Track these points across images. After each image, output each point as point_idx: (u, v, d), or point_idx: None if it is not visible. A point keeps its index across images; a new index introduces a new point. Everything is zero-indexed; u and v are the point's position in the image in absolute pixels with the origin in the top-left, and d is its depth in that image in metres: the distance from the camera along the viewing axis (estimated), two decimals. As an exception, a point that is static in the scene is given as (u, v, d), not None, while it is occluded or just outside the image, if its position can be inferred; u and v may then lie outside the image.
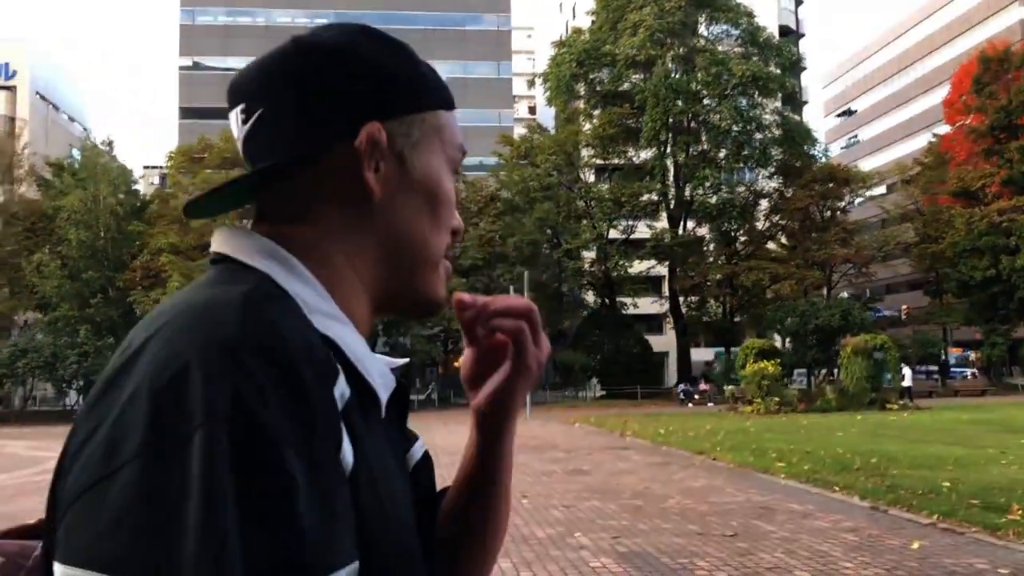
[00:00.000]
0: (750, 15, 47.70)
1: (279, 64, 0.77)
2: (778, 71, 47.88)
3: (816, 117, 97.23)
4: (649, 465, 14.52)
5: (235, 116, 0.78)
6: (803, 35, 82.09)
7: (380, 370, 0.74)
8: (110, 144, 44.04)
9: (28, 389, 41.94)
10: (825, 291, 46.91)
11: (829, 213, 46.52)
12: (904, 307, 59.82)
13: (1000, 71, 44.87)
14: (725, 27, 48.47)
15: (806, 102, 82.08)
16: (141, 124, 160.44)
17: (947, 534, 7.98)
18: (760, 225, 47.95)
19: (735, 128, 45.15)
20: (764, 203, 48.42)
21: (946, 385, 44.01)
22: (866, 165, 64.40)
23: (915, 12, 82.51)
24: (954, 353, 54.88)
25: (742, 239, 47.50)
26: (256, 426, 0.58)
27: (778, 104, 49.31)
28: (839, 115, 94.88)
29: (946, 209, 45.27)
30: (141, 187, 52.04)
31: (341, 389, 0.66)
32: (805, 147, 48.13)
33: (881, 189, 54.98)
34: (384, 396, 0.74)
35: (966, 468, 12.22)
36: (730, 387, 32.91)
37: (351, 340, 0.72)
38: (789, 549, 7.47)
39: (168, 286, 37.75)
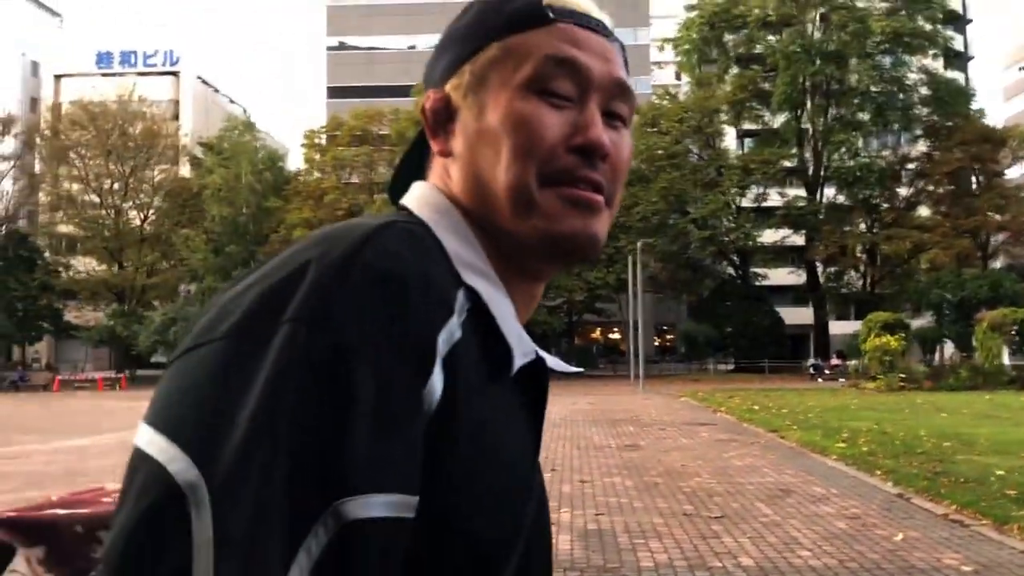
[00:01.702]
0: (894, -33, 44.66)
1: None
2: (928, 26, 44.69)
3: (992, 72, 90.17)
4: (711, 443, 14.13)
5: None
6: (969, -16, 76.12)
7: (522, 337, 0.73)
8: (250, 124, 46.21)
9: None
10: (981, 262, 43.79)
11: (983, 177, 43.11)
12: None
13: None
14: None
15: (972, 57, 76.34)
16: (296, 103, 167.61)
17: (951, 526, 7.40)
18: (904, 191, 45.04)
19: (874, 89, 42.46)
20: (911, 167, 45.52)
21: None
22: None
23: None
24: None
25: (884, 206, 44.82)
26: (338, 334, 0.59)
27: (929, 61, 46.02)
28: (1022, 69, 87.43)
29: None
30: (292, 165, 54.75)
31: (451, 329, 0.65)
32: (958, 106, 44.67)
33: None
34: (519, 360, 0.71)
35: (1041, 455, 11.22)
36: (853, 363, 31.29)
37: (497, 299, 0.72)
38: (759, 534, 7.15)
39: (301, 259, 39.65)
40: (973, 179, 43.88)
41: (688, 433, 15.73)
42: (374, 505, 0.57)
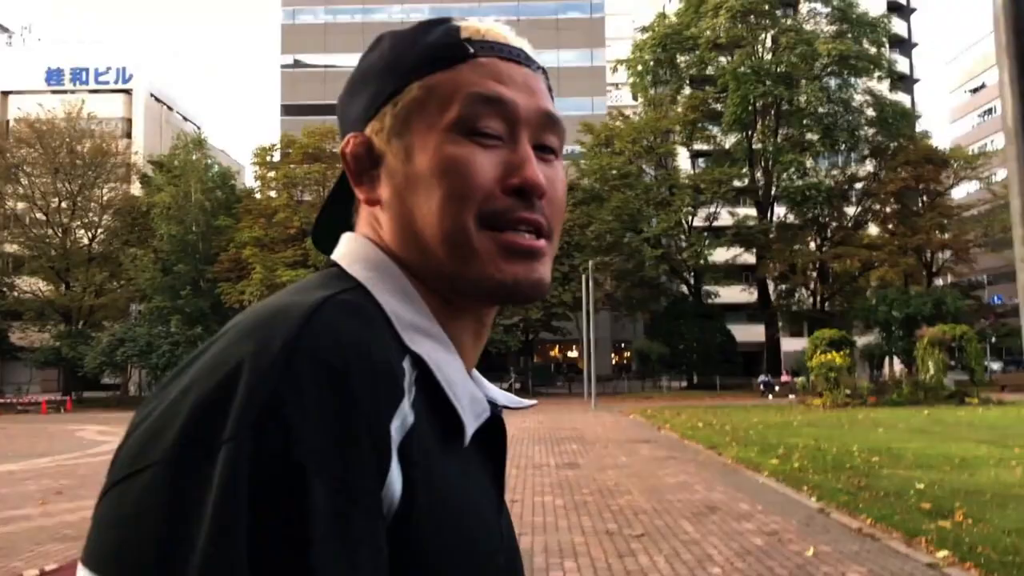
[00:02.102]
0: (841, -9, 45.68)
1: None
2: (873, 49, 45.71)
3: (939, 95, 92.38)
4: (649, 460, 14.22)
5: None
6: (914, 10, 78.24)
7: (474, 396, 0.70)
8: (200, 141, 45.81)
9: (146, 375, 44.00)
10: (927, 279, 44.72)
11: (927, 197, 44.11)
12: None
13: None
14: (815, 5, 46.64)
15: (917, 80, 78.37)
16: (250, 122, 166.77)
17: (863, 540, 7.52)
18: (852, 210, 45.92)
19: (821, 110, 43.30)
20: (859, 187, 46.41)
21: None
22: (1001, 142, 60.04)
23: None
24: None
25: (833, 225, 45.64)
26: (287, 445, 0.55)
27: (874, 83, 47.03)
28: (971, 91, 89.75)
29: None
30: (244, 183, 54.22)
31: (403, 415, 0.62)
32: (903, 127, 45.67)
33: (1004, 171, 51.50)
34: (471, 424, 0.69)
35: (964, 470, 11.46)
36: (800, 379, 31.73)
37: (444, 360, 0.69)
38: (676, 552, 7.21)
39: (252, 277, 39.25)
40: (918, 199, 44.81)
41: (629, 451, 15.81)
42: None
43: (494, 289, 0.72)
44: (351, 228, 0.79)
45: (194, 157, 44.25)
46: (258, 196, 44.05)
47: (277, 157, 45.10)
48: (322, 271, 0.74)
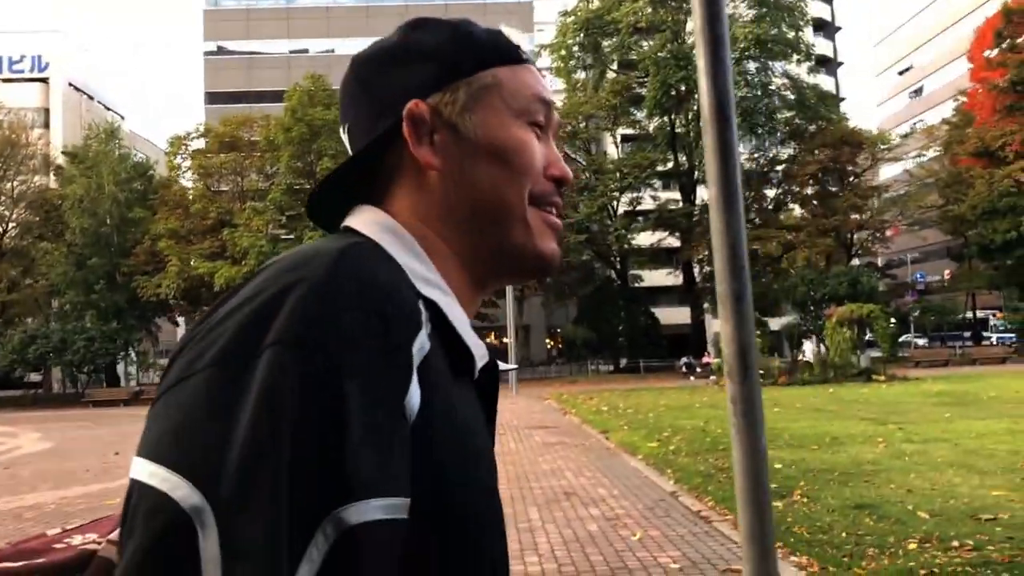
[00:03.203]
0: (759, -25, 46.09)
1: (346, 82, 0.88)
2: (791, 33, 46.28)
3: (866, 77, 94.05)
4: (539, 446, 14.22)
5: (344, 138, 0.90)
6: (837, -6, 79.44)
7: (475, 340, 0.77)
8: (114, 131, 44.58)
9: (71, 374, 42.62)
10: (847, 259, 45.63)
11: (844, 178, 44.93)
12: (947, 272, 57.80)
13: (1023, 24, 42.61)
14: (733, -11, 47.01)
15: (841, 63, 79.72)
16: (175, 110, 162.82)
17: (697, 523, 7.57)
18: (772, 193, 46.59)
19: (739, 94, 43.70)
20: (780, 169, 47.07)
21: (963, 353, 42.18)
22: (931, 120, 61.07)
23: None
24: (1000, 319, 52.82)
25: (754, 207, 46.23)
26: (323, 354, 0.62)
27: (793, 67, 47.64)
28: (899, 73, 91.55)
29: (966, 170, 43.31)
30: (164, 173, 52.94)
31: (421, 342, 0.69)
32: (821, 110, 46.34)
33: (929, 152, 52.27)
34: (479, 362, 0.77)
35: (831, 448, 11.65)
36: (716, 360, 32.08)
37: (452, 307, 0.77)
38: (512, 536, 7.16)
39: (167, 270, 38.40)
40: (837, 180, 45.63)
41: (523, 437, 15.81)
42: (371, 509, 0.61)
43: (535, 259, 0.85)
44: (348, 205, 0.86)
45: (108, 147, 42.98)
46: (177, 186, 42.94)
47: (200, 145, 44.15)
48: (337, 235, 0.82)
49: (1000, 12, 43.86)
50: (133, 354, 45.56)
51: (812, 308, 39.45)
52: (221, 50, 72.26)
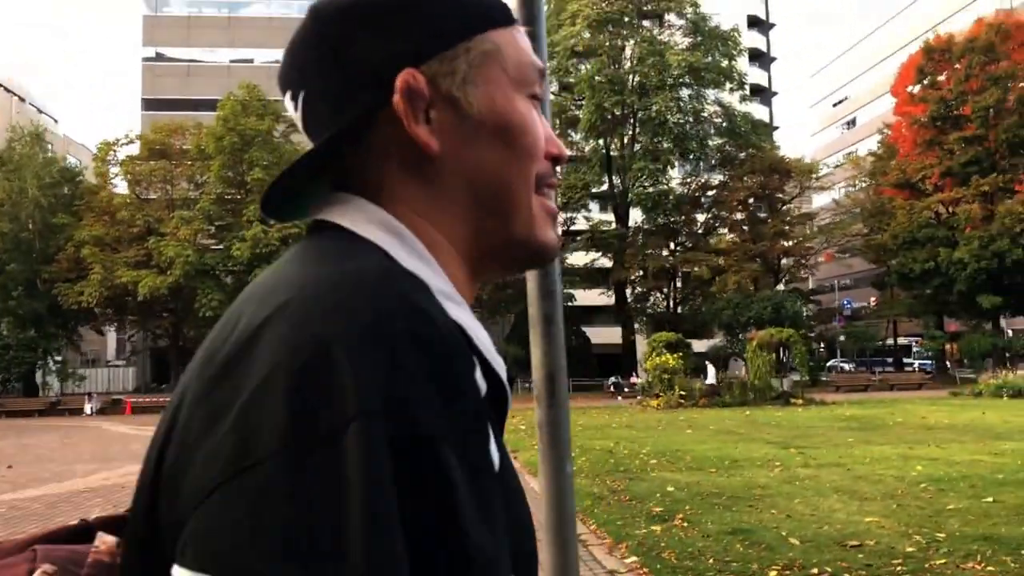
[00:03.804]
0: (695, 4, 47.04)
1: (302, 40, 0.73)
2: (724, 62, 47.25)
3: (803, 108, 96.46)
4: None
5: (288, 103, 0.75)
6: (772, 25, 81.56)
7: (501, 363, 0.69)
8: (39, 134, 43.47)
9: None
10: (774, 284, 46.56)
11: (771, 205, 45.95)
12: (873, 299, 59.37)
13: (943, 61, 44.22)
14: (671, 16, 47.88)
15: (776, 93, 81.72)
16: (111, 115, 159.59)
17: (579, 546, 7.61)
18: (703, 217, 47.43)
19: (672, 120, 44.48)
20: (711, 194, 47.96)
21: (883, 379, 43.27)
22: (864, 150, 62.79)
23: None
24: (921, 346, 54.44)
25: (684, 231, 47.02)
26: (413, 421, 0.54)
27: (727, 95, 48.62)
28: (835, 104, 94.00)
29: (889, 201, 44.67)
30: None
31: (479, 380, 0.61)
32: (751, 138, 47.37)
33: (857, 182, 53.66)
34: (508, 391, 0.69)
35: (729, 471, 11.83)
36: (639, 380, 32.52)
37: (475, 325, 0.67)
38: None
39: (90, 278, 37.48)
40: (764, 207, 46.62)
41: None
42: None
43: (538, 250, 0.75)
44: (313, 194, 0.74)
45: (32, 150, 41.87)
46: (105, 192, 41.97)
47: (132, 151, 43.25)
48: (325, 234, 0.69)
49: (921, 49, 45.42)
50: (52, 363, 44.27)
51: (737, 331, 40.17)
52: (160, 56, 71.14)
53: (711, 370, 29.28)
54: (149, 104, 68.64)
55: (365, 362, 0.54)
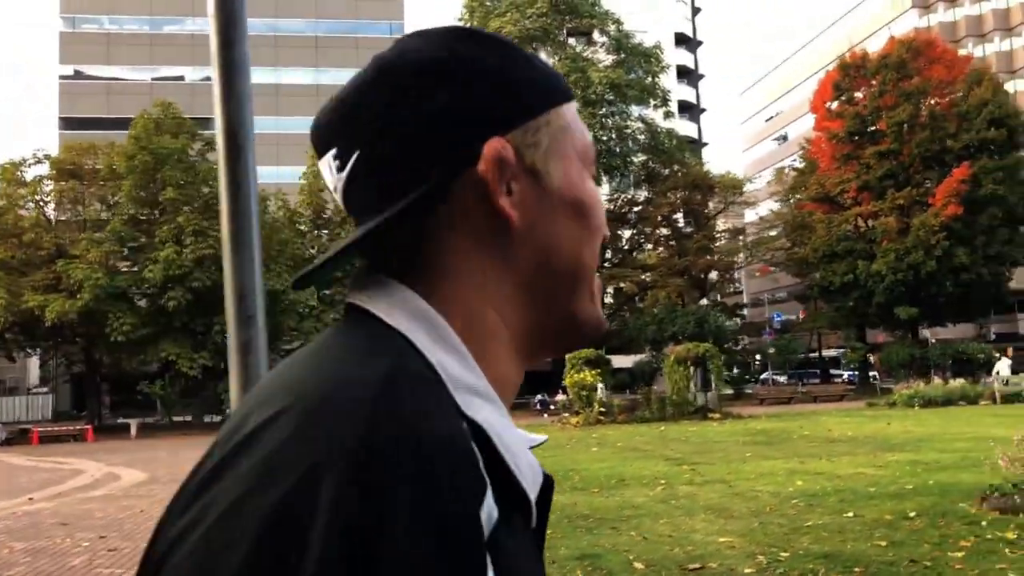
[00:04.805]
0: (618, 22, 47.45)
1: (366, 94, 0.66)
2: (648, 79, 47.69)
3: (733, 123, 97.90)
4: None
5: (327, 164, 0.68)
6: (700, 43, 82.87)
7: (529, 461, 0.61)
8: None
9: None
10: (701, 299, 46.94)
11: (695, 220, 46.41)
12: (802, 312, 60.23)
13: (859, 78, 45.21)
14: (594, 34, 48.23)
15: (704, 109, 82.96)
16: (28, 133, 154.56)
17: None
18: (627, 233, 47.66)
19: (594, 137, 44.66)
20: (637, 210, 48.27)
21: (806, 391, 43.70)
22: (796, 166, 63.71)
23: (832, 14, 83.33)
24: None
25: (609, 248, 47.17)
26: (389, 571, 0.47)
27: (651, 111, 49.06)
28: (767, 120, 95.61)
29: (808, 215, 45.42)
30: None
31: (489, 508, 0.53)
32: (675, 154, 47.82)
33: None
34: (534, 498, 0.61)
35: (613, 490, 11.60)
36: (561, 398, 32.34)
37: (500, 425, 0.60)
38: None
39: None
40: (689, 223, 47.07)
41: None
42: None
43: (595, 327, 0.72)
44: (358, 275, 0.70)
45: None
46: (11, 215, 40.50)
47: (42, 171, 41.83)
48: (354, 321, 0.64)
49: (838, 66, 46.42)
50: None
51: (662, 346, 40.28)
52: (78, 74, 69.41)
53: (600, 388, 28.91)
54: (68, 123, 66.94)
55: (344, 502, 0.48)
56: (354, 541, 0.47)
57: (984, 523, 7.90)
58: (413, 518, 0.49)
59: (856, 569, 6.35)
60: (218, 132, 3.24)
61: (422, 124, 0.64)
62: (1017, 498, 8.33)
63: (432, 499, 0.50)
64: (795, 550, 7.15)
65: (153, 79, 69.50)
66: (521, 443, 0.61)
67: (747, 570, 6.54)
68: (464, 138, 0.64)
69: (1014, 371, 31.31)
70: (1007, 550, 6.79)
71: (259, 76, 66.79)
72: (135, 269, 37.44)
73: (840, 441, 17.68)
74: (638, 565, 6.96)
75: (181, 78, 69.28)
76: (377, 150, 0.65)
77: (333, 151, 0.67)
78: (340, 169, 0.67)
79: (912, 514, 8.54)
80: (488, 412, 0.60)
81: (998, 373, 30.54)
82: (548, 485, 0.63)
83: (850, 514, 8.74)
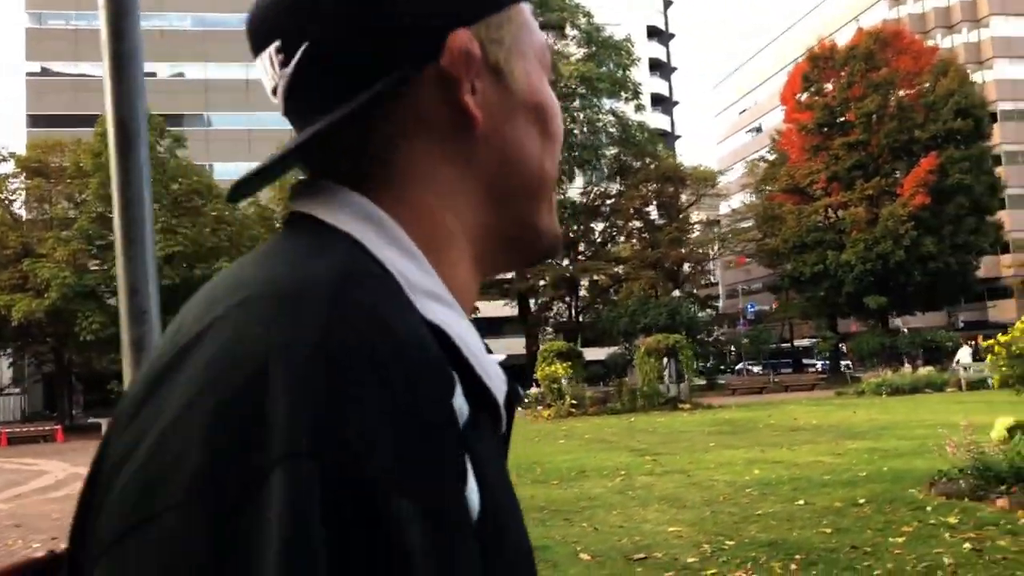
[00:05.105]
0: (589, 15, 47.41)
1: None
2: (620, 72, 47.69)
3: (708, 116, 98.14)
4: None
5: (267, 59, 0.62)
6: (672, 36, 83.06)
7: (494, 367, 0.58)
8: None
9: None
10: (674, 291, 47.14)
11: (667, 213, 46.57)
12: (775, 302, 60.64)
13: (828, 69, 45.50)
14: (566, 28, 48.15)
15: (676, 102, 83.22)
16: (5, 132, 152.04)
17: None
18: (600, 227, 47.73)
19: (564, 129, 44.63)
20: (610, 203, 48.33)
21: (778, 381, 44.08)
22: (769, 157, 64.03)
23: (806, 6, 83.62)
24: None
25: (583, 240, 47.26)
26: (359, 465, 0.43)
27: (622, 104, 49.06)
28: (741, 112, 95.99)
29: (778, 206, 45.68)
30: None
31: (459, 404, 0.51)
32: (646, 147, 47.85)
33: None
34: (501, 401, 0.58)
35: (571, 482, 11.63)
36: (533, 391, 32.38)
37: (462, 329, 0.56)
38: None
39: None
40: (662, 215, 47.22)
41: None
42: None
43: (551, 240, 0.69)
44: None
45: None
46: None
47: (7, 170, 41.26)
48: (298, 227, 0.60)
49: (807, 58, 46.69)
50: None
51: (635, 338, 40.43)
52: (45, 71, 68.57)
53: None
54: (35, 120, 66.12)
55: (302, 388, 0.45)
56: (320, 433, 0.43)
57: (929, 508, 8.02)
58: (382, 405, 0.46)
59: (797, 556, 6.41)
60: (109, 124, 3.22)
61: (383, 14, 0.58)
62: (962, 483, 8.45)
63: (408, 390, 0.47)
64: (741, 538, 7.21)
65: (123, 75, 68.78)
66: (481, 345, 0.58)
67: (690, 559, 6.59)
68: (428, 29, 0.59)
69: (979, 358, 31.71)
70: (947, 534, 6.89)
71: (230, 72, 66.41)
72: (104, 267, 37.04)
73: (804, 430, 17.83)
74: (584, 556, 6.99)
75: (153, 74, 68.63)
76: (329, 42, 0.59)
77: (276, 44, 0.60)
78: (284, 64, 0.60)
79: (862, 501, 8.64)
80: (445, 314, 0.56)
81: (959, 361, 30.98)
82: (513, 391, 0.60)
83: (801, 502, 8.82)
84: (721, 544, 7.03)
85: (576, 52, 47.35)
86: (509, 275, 48.10)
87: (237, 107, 64.36)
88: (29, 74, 68.57)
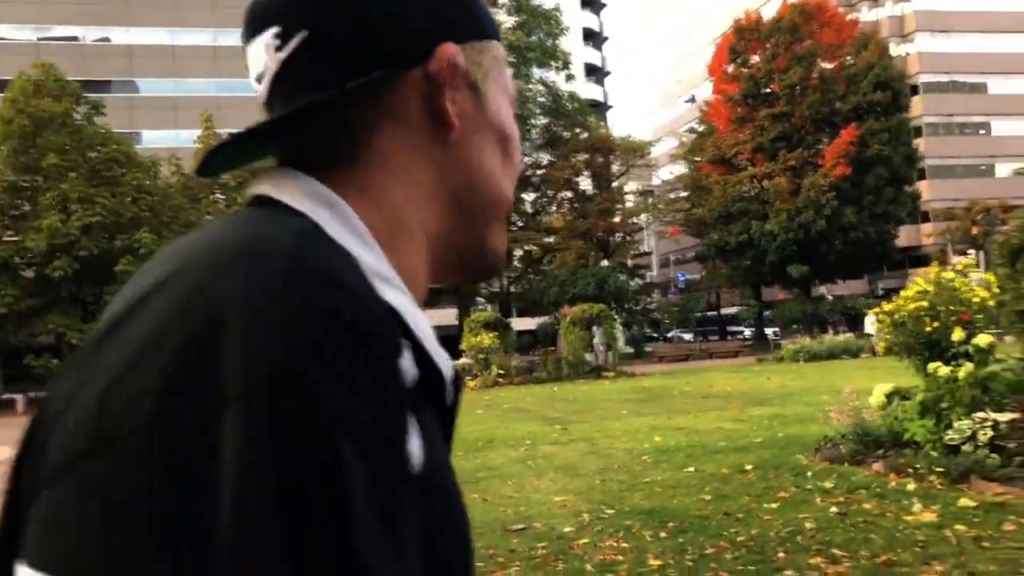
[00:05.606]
0: (518, -19, 47.05)
1: None
2: (549, 41, 47.54)
3: (642, 87, 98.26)
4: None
5: (263, 43, 0.64)
6: (604, 5, 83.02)
7: (444, 357, 0.61)
8: None
9: None
10: (605, 261, 47.52)
11: (596, 183, 46.80)
12: (704, 272, 61.56)
13: (753, 40, 45.99)
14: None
15: (608, 72, 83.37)
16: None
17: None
18: (531, 197, 47.78)
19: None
20: (541, 174, 48.36)
21: (704, 348, 44.80)
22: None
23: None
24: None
25: (515, 211, 47.26)
26: (310, 408, 0.45)
27: (553, 74, 48.95)
28: (678, 82, 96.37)
29: (705, 176, 46.26)
30: None
31: (407, 366, 0.52)
32: (575, 117, 47.91)
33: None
34: (450, 385, 0.60)
35: (476, 453, 11.65)
36: (461, 361, 32.44)
37: (413, 311, 0.58)
38: None
39: None
40: (593, 186, 47.44)
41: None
42: None
43: (495, 262, 0.73)
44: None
45: None
46: None
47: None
48: (258, 207, 0.62)
49: (733, 29, 47.13)
50: None
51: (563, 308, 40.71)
52: (-44, 34, 65.50)
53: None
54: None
55: (260, 332, 0.47)
56: (274, 379, 0.45)
57: (810, 474, 8.24)
58: (336, 356, 0.47)
59: (671, 524, 6.55)
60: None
61: (381, 16, 0.63)
62: (842, 448, 8.71)
63: (363, 344, 0.49)
64: (623, 507, 7.34)
65: (40, 39, 66.10)
66: (432, 333, 0.59)
67: (567, 528, 6.68)
68: (423, 34, 0.64)
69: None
70: (819, 499, 7.10)
71: (156, 37, 64.41)
72: (17, 238, 35.87)
73: (716, 396, 18.21)
74: (468, 527, 7.03)
75: (75, 38, 66.19)
76: (328, 32, 0.62)
77: (275, 29, 0.63)
78: (279, 48, 0.63)
79: (749, 467, 8.84)
80: (396, 296, 0.57)
81: (867, 329, 31.97)
82: (458, 378, 0.62)
83: (691, 469, 9.01)
84: (600, 513, 7.14)
85: (507, 21, 47.02)
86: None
87: (163, 73, 62.55)
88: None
